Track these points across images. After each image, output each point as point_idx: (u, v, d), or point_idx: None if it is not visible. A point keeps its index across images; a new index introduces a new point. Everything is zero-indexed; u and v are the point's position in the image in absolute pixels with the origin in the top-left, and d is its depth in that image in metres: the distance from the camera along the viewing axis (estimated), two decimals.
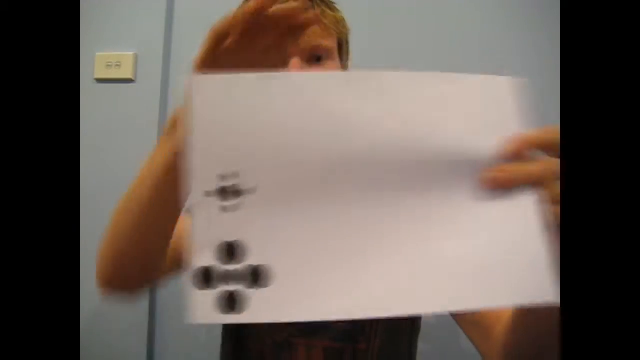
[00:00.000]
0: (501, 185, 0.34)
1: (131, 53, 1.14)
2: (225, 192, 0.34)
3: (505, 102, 0.36)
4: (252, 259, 0.34)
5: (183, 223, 0.49)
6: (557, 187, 0.33)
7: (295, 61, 0.59)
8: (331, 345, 0.65)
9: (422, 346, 0.75)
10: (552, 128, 0.34)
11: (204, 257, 0.33)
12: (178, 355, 1.12)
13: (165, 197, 0.44)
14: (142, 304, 1.12)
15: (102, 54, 1.15)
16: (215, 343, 0.76)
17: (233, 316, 0.32)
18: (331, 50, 0.62)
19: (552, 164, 0.34)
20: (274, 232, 0.34)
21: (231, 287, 0.33)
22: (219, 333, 0.75)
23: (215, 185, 0.34)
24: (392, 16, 1.06)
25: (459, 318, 0.62)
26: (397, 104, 0.36)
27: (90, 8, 1.10)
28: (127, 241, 0.49)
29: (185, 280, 0.33)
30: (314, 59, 0.61)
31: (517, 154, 0.34)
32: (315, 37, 0.60)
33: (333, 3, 0.66)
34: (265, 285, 0.33)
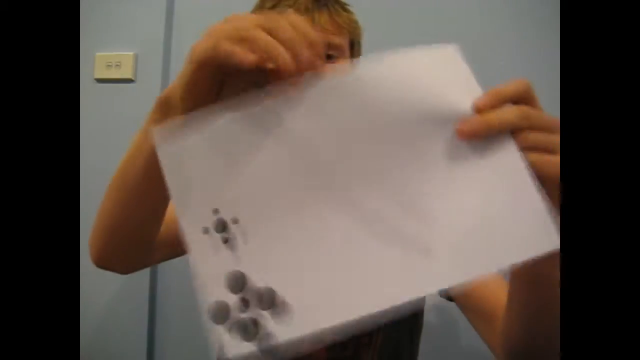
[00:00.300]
0: (478, 133, 0.34)
1: (131, 53, 1.14)
2: (217, 227, 0.36)
3: (459, 68, 0.36)
4: (254, 285, 0.35)
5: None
6: (533, 135, 0.33)
7: None
8: (334, 339, 0.66)
9: (422, 346, 0.75)
10: (521, 80, 0.34)
11: (216, 292, 0.35)
12: (178, 354, 1.12)
13: (154, 176, 0.43)
14: (142, 304, 1.12)
15: (102, 54, 1.15)
16: None
17: (257, 343, 0.34)
18: (343, 49, 0.62)
19: (526, 110, 0.34)
20: (266, 254, 0.35)
21: (247, 315, 0.34)
22: None
23: (206, 222, 0.36)
24: (395, 16, 1.06)
25: (463, 307, 0.62)
26: (358, 100, 0.36)
27: (90, 8, 1.10)
28: (117, 218, 0.51)
29: (205, 319, 0.34)
30: (326, 56, 0.61)
31: (492, 108, 0.34)
32: (327, 34, 0.60)
33: (347, 5, 0.66)
34: (275, 307, 0.34)
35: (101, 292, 1.10)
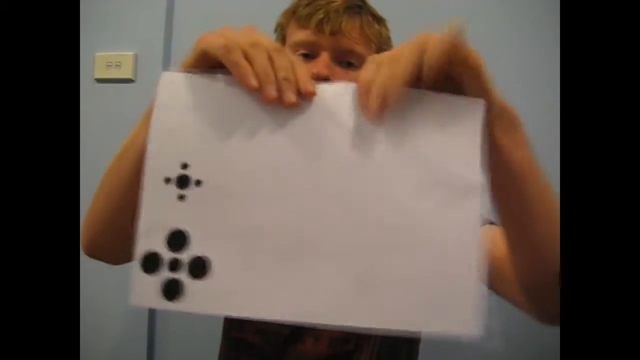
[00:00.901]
0: None
1: (131, 53, 1.14)
2: (178, 182, 0.36)
3: (471, 129, 0.35)
4: (193, 249, 0.35)
5: None
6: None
7: (324, 56, 0.60)
8: (336, 334, 0.66)
9: (423, 346, 0.75)
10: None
11: (153, 241, 0.35)
12: (178, 354, 1.12)
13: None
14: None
15: (102, 54, 1.15)
16: (216, 340, 0.76)
17: (173, 304, 0.34)
18: (365, 59, 0.63)
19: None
20: (215, 225, 0.35)
21: (174, 275, 0.34)
22: (218, 329, 0.75)
23: (171, 173, 0.36)
24: (394, 16, 1.06)
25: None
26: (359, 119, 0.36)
27: (90, 8, 1.10)
28: (108, 208, 0.50)
29: (134, 262, 0.34)
30: (344, 62, 0.62)
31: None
32: (352, 41, 0.61)
33: (383, 20, 0.66)
34: (203, 277, 0.34)
35: (101, 292, 1.10)
